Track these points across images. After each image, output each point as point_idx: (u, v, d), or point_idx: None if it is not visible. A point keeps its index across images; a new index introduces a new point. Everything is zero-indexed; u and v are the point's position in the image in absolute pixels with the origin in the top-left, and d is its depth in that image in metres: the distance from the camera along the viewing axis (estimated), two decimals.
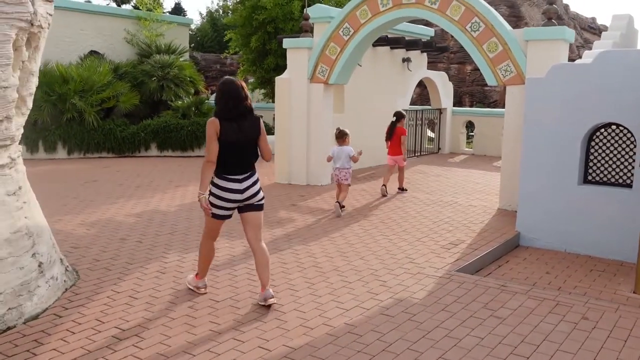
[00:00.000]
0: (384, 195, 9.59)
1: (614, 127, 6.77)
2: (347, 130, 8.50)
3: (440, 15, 8.79)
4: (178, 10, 36.80)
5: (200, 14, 41.87)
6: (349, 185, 8.59)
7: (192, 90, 17.20)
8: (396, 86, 13.57)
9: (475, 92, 28.08)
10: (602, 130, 6.82)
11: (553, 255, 6.84)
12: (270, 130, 13.63)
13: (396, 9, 9.21)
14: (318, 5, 11.49)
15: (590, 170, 6.95)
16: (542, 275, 6.09)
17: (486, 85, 26.87)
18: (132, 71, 16.10)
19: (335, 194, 8.83)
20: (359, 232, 7.24)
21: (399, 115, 10.01)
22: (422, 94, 25.15)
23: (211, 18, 34.37)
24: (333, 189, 10.09)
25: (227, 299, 4.94)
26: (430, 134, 16.71)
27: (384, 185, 9.74)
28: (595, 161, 6.91)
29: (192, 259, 5.97)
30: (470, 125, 16.68)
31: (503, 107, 24.79)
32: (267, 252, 4.94)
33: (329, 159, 8.61)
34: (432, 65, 24.19)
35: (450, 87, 16.15)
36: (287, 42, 10.65)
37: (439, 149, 16.06)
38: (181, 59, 17.51)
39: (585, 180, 6.96)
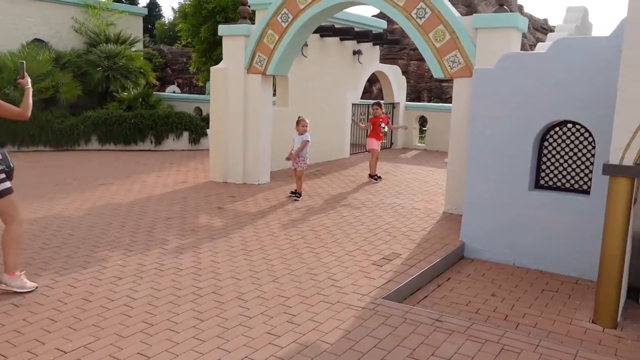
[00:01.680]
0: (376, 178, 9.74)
1: (569, 125, 5.56)
2: (304, 117, 8.17)
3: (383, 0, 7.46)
4: (153, 5, 34.94)
5: (173, 8, 39.77)
6: (302, 170, 8.15)
7: (143, 82, 15.59)
8: (346, 79, 12.23)
9: (433, 87, 26.97)
10: (557, 129, 5.60)
11: (500, 270, 5.62)
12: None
13: None
14: None
15: (543, 174, 5.73)
16: (488, 299, 4.85)
17: (444, 80, 25.82)
18: (77, 60, 14.41)
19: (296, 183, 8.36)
20: (283, 244, 5.90)
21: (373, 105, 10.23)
22: (382, 89, 23.91)
23: (183, 12, 32.49)
24: (270, 188, 8.73)
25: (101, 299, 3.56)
26: (382, 127, 15.40)
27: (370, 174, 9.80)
28: (548, 164, 5.69)
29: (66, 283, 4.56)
30: (423, 121, 15.46)
31: None
32: (10, 237, 4.35)
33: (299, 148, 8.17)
34: (392, 61, 22.89)
35: (403, 81, 14.88)
36: (222, 29, 9.19)
37: (391, 144, 14.81)
38: (133, 50, 15.86)
39: (537, 186, 5.74)
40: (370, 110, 10.13)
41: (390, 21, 15.40)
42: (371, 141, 9.96)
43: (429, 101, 25.07)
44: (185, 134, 13.68)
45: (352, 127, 12.86)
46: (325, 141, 11.66)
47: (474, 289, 5.08)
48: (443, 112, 14.34)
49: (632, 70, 4.12)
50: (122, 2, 21.27)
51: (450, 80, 30.83)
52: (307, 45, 10.62)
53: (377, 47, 13.30)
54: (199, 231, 6.25)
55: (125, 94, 14.29)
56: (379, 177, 9.81)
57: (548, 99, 5.42)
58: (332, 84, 11.72)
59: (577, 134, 5.52)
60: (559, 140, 5.62)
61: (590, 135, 5.39)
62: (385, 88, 14.49)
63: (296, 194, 8.07)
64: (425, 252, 5.66)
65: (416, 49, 26.66)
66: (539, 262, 5.65)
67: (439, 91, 27.04)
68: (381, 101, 14.48)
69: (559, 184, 5.66)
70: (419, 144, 15.04)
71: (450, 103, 22.80)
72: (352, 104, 12.62)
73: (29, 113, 4.60)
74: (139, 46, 17.44)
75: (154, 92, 14.96)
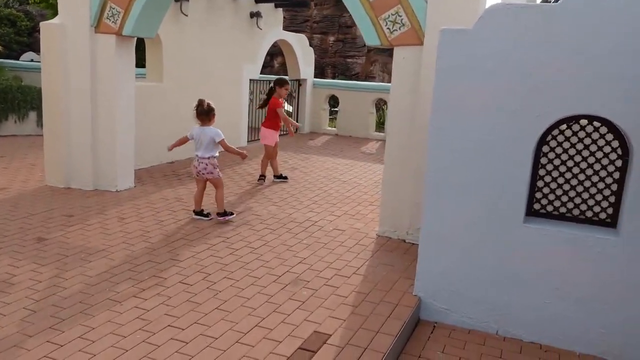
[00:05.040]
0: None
1: (583, 122, 3.60)
2: (212, 104, 5.53)
3: None
4: None
5: None
6: (218, 178, 5.57)
7: None
8: (242, 48, 9.74)
9: (337, 63, 25.00)
10: (563, 127, 3.61)
11: (478, 343, 3.60)
12: None
13: None
14: None
15: (539, 195, 3.74)
16: None
17: (349, 56, 23.93)
18: None
19: (194, 196, 5.67)
20: (124, 327, 3.47)
21: (275, 82, 7.47)
22: (285, 63, 21.61)
23: None
24: (133, 198, 6.15)
25: None
26: (287, 106, 13.13)
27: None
28: (548, 179, 3.71)
29: None
30: (334, 100, 13.35)
31: (365, 79, 22.13)
32: None
33: (183, 142, 5.74)
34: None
35: (310, 53, 12.62)
36: None
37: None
38: None
39: (533, 212, 3.75)
40: (278, 89, 7.32)
41: None
42: (268, 133, 7.40)
43: (334, 78, 23.07)
44: (32, 115, 10.54)
45: (250, 109, 10.44)
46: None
47: None
48: (357, 92, 12.33)
49: None
50: None
51: (356, 56, 28.52)
52: (187, 0, 8.01)
53: (280, 10, 10.88)
54: None
55: None
56: (285, 177, 7.55)
57: (562, 79, 3.39)
58: (223, 54, 9.19)
59: (595, 135, 3.57)
60: (565, 145, 3.65)
61: (619, 137, 3.45)
62: (289, 61, 12.15)
63: (204, 214, 5.62)
64: (367, 328, 3.48)
65: (319, 21, 24.51)
66: (537, 331, 3.69)
67: (344, 67, 25.13)
68: (285, 77, 12.17)
69: (563, 210, 3.71)
70: (329, 128, 12.92)
71: (356, 80, 20.91)
72: (250, 80, 10.17)
73: None
74: None
75: None
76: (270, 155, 7.39)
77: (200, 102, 5.47)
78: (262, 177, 7.40)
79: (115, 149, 6.38)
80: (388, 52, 22.61)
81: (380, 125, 13.51)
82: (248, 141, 10.40)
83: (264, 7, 10.14)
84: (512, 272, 3.70)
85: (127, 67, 6.40)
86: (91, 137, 6.37)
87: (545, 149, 3.68)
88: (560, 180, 3.68)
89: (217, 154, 5.53)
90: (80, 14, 6.14)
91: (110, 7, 6.05)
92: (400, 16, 4.91)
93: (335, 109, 13.27)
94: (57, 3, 6.43)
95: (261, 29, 10.08)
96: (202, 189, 5.60)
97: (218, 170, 5.54)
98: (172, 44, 8.01)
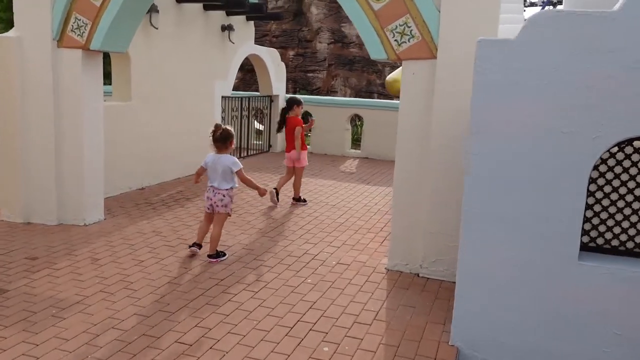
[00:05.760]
0: (273, 202, 6.97)
1: (637, 143, 3.19)
2: (230, 129, 4.95)
3: None
4: None
5: None
6: (228, 214, 4.97)
7: None
8: (214, 63, 9.11)
9: (298, 78, 24.58)
10: (615, 149, 3.20)
11: None
12: None
13: None
14: None
15: (587, 227, 3.29)
16: None
17: (310, 71, 23.54)
18: None
19: (198, 231, 5.04)
20: None
21: (289, 102, 7.17)
22: (244, 78, 20.98)
23: None
24: (105, 233, 5.42)
25: None
26: (258, 126, 12.53)
27: (275, 188, 7.04)
28: (597, 209, 3.27)
29: None
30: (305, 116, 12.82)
31: (327, 94, 21.66)
32: None
33: (200, 173, 5.04)
34: None
35: (282, 68, 12.08)
36: None
37: (269, 146, 11.97)
38: None
39: (583, 246, 3.30)
40: (296, 108, 7.07)
41: None
42: (302, 155, 7.10)
43: (295, 93, 22.61)
44: None
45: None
46: (188, 148, 8.48)
47: None
48: (332, 107, 11.87)
49: None
50: None
51: (317, 70, 28.15)
52: (157, 12, 7.36)
53: (252, 23, 10.32)
54: None
55: None
56: (304, 200, 7.24)
57: (623, 95, 2.97)
58: (195, 70, 8.54)
59: None
60: (617, 170, 3.23)
61: None
62: (261, 76, 11.56)
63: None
64: None
65: (279, 35, 24.03)
66: None
67: (305, 82, 24.72)
68: (255, 94, 11.65)
69: (615, 242, 3.28)
70: None
71: (318, 95, 20.35)
72: (222, 97, 9.54)
73: None
74: None
75: None
76: (299, 177, 7.15)
77: (217, 127, 4.89)
78: (302, 199, 7.18)
79: (82, 177, 5.64)
80: (348, 67, 22.38)
81: (356, 142, 13.06)
82: None
83: (236, 20, 9.56)
84: (565, 315, 3.23)
85: (95, 85, 5.69)
86: (54, 164, 5.61)
87: (593, 173, 3.26)
88: (612, 209, 3.25)
89: (236, 185, 4.95)
90: (40, 25, 5.42)
91: (76, 18, 5.35)
92: (410, 27, 4.44)
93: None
94: (7, 16, 5.68)
95: (233, 43, 9.48)
96: (210, 223, 4.97)
97: (230, 205, 4.93)
98: (141, 59, 7.32)
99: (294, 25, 22.11)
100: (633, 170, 3.21)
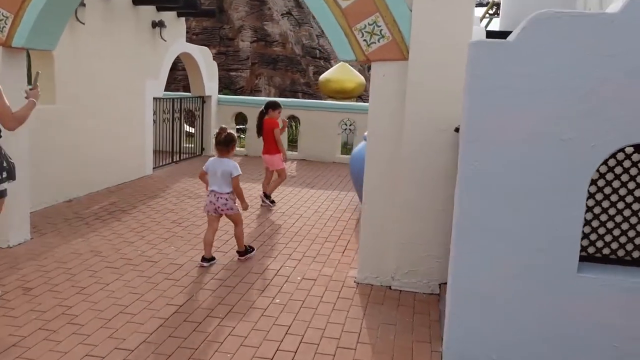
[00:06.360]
0: (270, 204, 7.07)
1: (629, 150, 3.10)
2: (233, 133, 4.90)
3: None
4: None
5: None
6: (238, 213, 4.91)
7: None
8: (145, 62, 8.46)
9: (221, 77, 23.91)
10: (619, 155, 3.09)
11: None
12: None
13: None
14: None
15: (587, 234, 3.17)
16: None
17: (232, 69, 22.95)
18: None
19: (206, 238, 4.81)
20: None
21: (266, 105, 7.25)
22: (169, 77, 20.06)
23: None
24: (33, 256, 4.76)
25: None
26: (189, 129, 11.90)
27: (263, 192, 7.14)
28: (596, 216, 3.15)
29: None
30: (241, 118, 12.34)
31: (250, 93, 21.14)
32: None
33: (202, 177, 4.97)
34: None
35: (214, 67, 11.54)
36: None
37: (202, 149, 11.39)
38: None
39: (582, 257, 3.16)
40: (271, 112, 7.12)
41: None
42: (277, 158, 7.15)
43: (218, 92, 21.92)
44: None
45: (155, 131, 9.16)
46: (118, 154, 7.80)
47: None
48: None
49: None
50: None
51: (240, 69, 27.56)
52: (84, 5, 6.66)
53: (183, 20, 9.71)
54: None
55: None
56: (273, 201, 7.19)
57: (624, 101, 2.84)
58: (124, 69, 7.86)
59: None
60: (610, 175, 3.13)
61: None
62: (192, 76, 10.95)
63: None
64: None
65: (201, 32, 23.30)
66: None
67: (228, 81, 24.08)
68: (187, 95, 11.07)
69: (615, 251, 3.18)
70: (238, 149, 11.87)
71: (241, 95, 19.78)
72: (154, 99, 8.89)
73: (16, 126, 3.75)
74: None
75: None
76: (280, 178, 7.18)
77: (221, 130, 4.87)
78: (271, 200, 7.14)
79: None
80: (272, 66, 21.99)
81: (291, 142, 12.73)
82: (154, 168, 9.08)
83: (166, 17, 8.94)
84: (564, 330, 3.08)
85: (17, 86, 4.98)
86: None
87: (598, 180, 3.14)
88: (614, 217, 3.15)
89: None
90: None
91: None
92: (379, 26, 4.17)
93: (240, 126, 12.33)
94: None
95: (165, 41, 8.86)
96: (216, 229, 4.91)
97: (236, 207, 4.86)
98: (66, 57, 6.60)
99: (215, 22, 21.40)
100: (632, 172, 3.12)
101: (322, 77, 14.53)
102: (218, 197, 4.75)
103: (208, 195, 4.83)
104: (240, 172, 4.78)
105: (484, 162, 3.03)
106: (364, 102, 13.69)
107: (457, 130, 4.12)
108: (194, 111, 11.15)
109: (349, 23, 4.20)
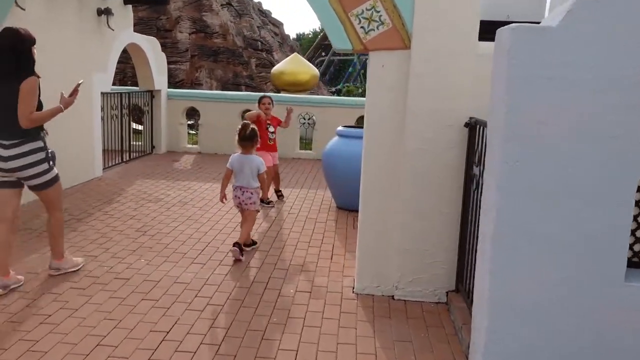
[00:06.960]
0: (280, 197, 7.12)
1: None
2: (256, 129, 5.04)
3: None
4: None
5: None
6: (258, 211, 5.12)
7: None
8: (92, 54, 7.69)
9: None
10: None
11: None
12: None
13: None
14: None
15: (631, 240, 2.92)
16: None
17: (171, 62, 22.01)
18: None
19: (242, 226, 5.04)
20: None
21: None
22: (117, 70, 18.94)
23: None
24: None
25: None
26: (136, 126, 11.10)
27: (275, 190, 7.17)
28: None
29: None
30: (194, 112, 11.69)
31: (191, 87, 20.29)
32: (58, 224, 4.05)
33: (228, 177, 5.01)
34: None
35: (163, 59, 10.83)
36: None
37: (152, 147, 10.65)
38: None
39: (635, 263, 2.92)
40: (260, 107, 6.83)
41: None
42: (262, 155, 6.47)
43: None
44: None
45: (104, 129, 8.42)
46: (65, 154, 7.04)
47: None
48: (221, 102, 10.92)
49: None
50: None
51: (179, 62, 26.57)
52: None
53: (130, 7, 8.96)
54: None
55: None
56: (271, 202, 6.86)
57: None
58: (69, 61, 7.09)
59: None
60: None
61: None
62: (140, 69, 10.19)
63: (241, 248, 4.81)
64: None
65: (137, 23, 22.23)
66: None
67: (168, 74, 23.21)
68: (134, 89, 10.31)
69: None
70: (190, 146, 11.24)
71: (181, 88, 18.90)
72: (102, 94, 8.14)
73: (29, 125, 4.01)
74: None
75: None
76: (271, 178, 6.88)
77: (245, 126, 4.94)
78: (268, 201, 6.78)
79: None
80: (212, 58, 21.19)
81: None
82: (104, 169, 8.34)
83: (112, 4, 8.18)
84: (612, 344, 2.82)
85: None
86: None
87: None
88: None
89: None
90: None
91: None
92: (378, 12, 3.78)
93: (191, 122, 11.68)
94: None
95: (113, 30, 8.11)
96: (243, 222, 5.08)
97: (258, 201, 5.08)
98: None
99: (151, 13, 20.40)
100: None
101: (275, 69, 14.03)
102: (244, 191, 4.89)
103: (234, 190, 4.96)
104: (265, 168, 5.06)
105: (525, 162, 2.70)
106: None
107: (466, 125, 3.80)
108: (142, 107, 10.38)
109: (344, 7, 3.79)
